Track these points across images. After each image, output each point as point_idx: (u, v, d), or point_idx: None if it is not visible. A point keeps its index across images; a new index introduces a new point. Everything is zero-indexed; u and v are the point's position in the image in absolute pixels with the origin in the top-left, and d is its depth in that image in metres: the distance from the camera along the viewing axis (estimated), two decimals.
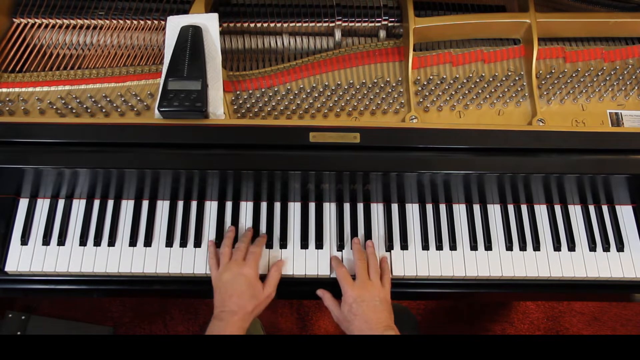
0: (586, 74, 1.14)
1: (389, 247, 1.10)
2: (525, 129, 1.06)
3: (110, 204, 1.12)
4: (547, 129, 1.05)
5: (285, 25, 1.16)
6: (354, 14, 1.16)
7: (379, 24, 1.17)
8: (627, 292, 1.13)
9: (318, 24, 1.16)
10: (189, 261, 1.08)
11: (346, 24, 1.16)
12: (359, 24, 1.16)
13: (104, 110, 1.06)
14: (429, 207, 1.14)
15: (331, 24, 1.16)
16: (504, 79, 1.13)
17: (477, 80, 1.13)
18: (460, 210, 1.14)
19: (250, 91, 1.10)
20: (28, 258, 1.07)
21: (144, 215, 1.12)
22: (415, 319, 1.31)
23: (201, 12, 1.10)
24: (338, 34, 1.17)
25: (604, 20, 1.14)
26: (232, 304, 0.96)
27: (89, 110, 1.06)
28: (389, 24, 1.17)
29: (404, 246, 1.10)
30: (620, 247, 1.12)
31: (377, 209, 1.14)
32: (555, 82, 1.13)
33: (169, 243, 1.09)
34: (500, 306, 1.93)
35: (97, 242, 1.09)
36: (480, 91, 1.12)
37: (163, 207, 1.12)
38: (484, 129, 1.03)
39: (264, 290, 1.01)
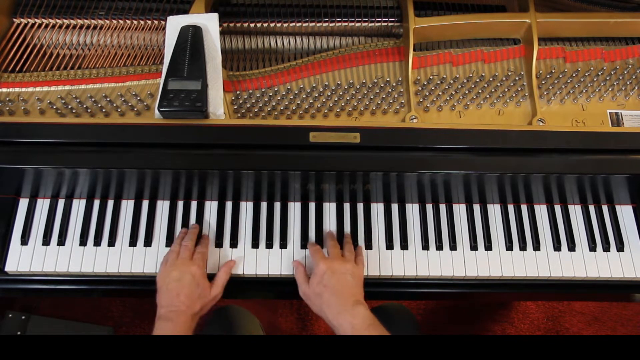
0: (586, 74, 1.14)
1: (389, 247, 1.10)
2: (525, 129, 1.06)
3: (110, 204, 1.12)
4: (547, 129, 1.05)
5: (285, 25, 1.16)
6: (354, 14, 1.16)
7: (378, 24, 1.17)
8: (627, 292, 1.13)
9: (318, 24, 1.16)
10: None
11: (346, 24, 1.16)
12: (358, 24, 1.16)
13: (104, 110, 1.06)
14: (429, 207, 1.14)
15: (331, 24, 1.16)
16: (504, 79, 1.13)
17: (477, 80, 1.13)
18: (460, 210, 1.14)
19: (250, 91, 1.10)
20: (28, 258, 1.07)
21: (144, 215, 1.12)
22: (415, 319, 1.31)
23: (201, 12, 1.10)
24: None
25: (604, 20, 1.14)
26: (180, 303, 0.95)
27: (89, 110, 1.06)
28: (389, 24, 1.17)
29: (404, 246, 1.10)
30: (620, 247, 1.12)
31: (377, 209, 1.14)
32: (555, 82, 1.13)
33: (169, 243, 1.09)
34: (500, 306, 1.92)
35: (97, 242, 1.09)
36: (480, 91, 1.12)
37: (163, 207, 1.12)
38: (484, 129, 1.03)
39: (211, 291, 1.00)
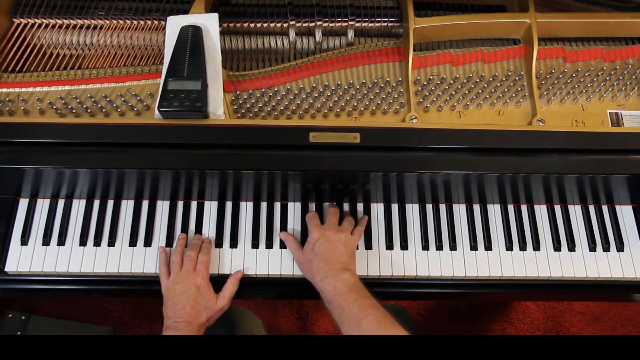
0: (586, 74, 1.14)
1: (389, 247, 1.10)
2: (525, 129, 1.06)
3: (110, 204, 1.12)
4: (547, 129, 1.05)
5: (285, 25, 1.16)
6: (354, 14, 1.16)
7: (378, 24, 1.17)
8: (627, 292, 1.13)
9: (318, 24, 1.16)
10: None
11: (345, 24, 1.16)
12: (358, 24, 1.16)
13: (104, 110, 1.06)
14: (429, 207, 1.14)
15: (331, 24, 1.16)
16: (504, 79, 1.13)
17: (477, 80, 1.13)
18: (460, 210, 1.14)
19: (250, 91, 1.10)
20: (28, 258, 1.07)
21: (144, 215, 1.12)
22: (413, 319, 1.31)
23: (201, 12, 1.10)
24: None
25: (604, 20, 1.14)
26: (186, 314, 0.96)
27: (89, 110, 1.06)
28: (389, 24, 1.17)
29: (404, 246, 1.10)
30: (620, 247, 1.12)
31: (377, 209, 1.14)
32: (555, 82, 1.13)
33: (169, 243, 1.09)
34: (500, 306, 1.93)
35: (97, 242, 1.09)
36: (480, 91, 1.12)
37: (163, 207, 1.12)
38: (484, 129, 1.03)
39: (217, 303, 1.00)
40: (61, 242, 1.08)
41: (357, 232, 1.06)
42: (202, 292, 0.99)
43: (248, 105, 1.09)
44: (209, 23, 1.08)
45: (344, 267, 0.97)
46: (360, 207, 1.14)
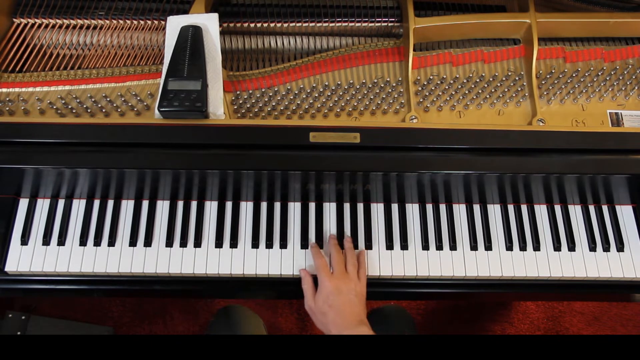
0: (586, 74, 1.14)
1: (389, 247, 1.10)
2: (525, 129, 1.06)
3: (110, 204, 1.12)
4: (547, 129, 1.05)
5: (285, 25, 1.16)
6: (354, 14, 1.16)
7: (378, 24, 1.17)
8: (627, 292, 1.13)
9: (318, 24, 1.16)
10: (189, 261, 1.08)
11: (346, 24, 1.16)
12: (358, 24, 1.16)
13: (104, 110, 1.06)
14: (429, 207, 1.14)
15: (331, 24, 1.16)
16: (504, 79, 1.13)
17: (477, 80, 1.13)
18: (460, 210, 1.14)
19: (250, 91, 1.10)
20: (28, 258, 1.07)
21: (144, 215, 1.12)
22: (412, 321, 1.31)
23: (201, 12, 1.10)
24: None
25: (604, 20, 1.14)
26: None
27: (89, 110, 1.06)
28: (389, 24, 1.17)
29: (404, 246, 1.10)
30: (620, 247, 1.12)
31: (377, 209, 1.14)
32: (555, 82, 1.13)
33: (169, 243, 1.09)
34: (500, 306, 1.93)
35: (97, 242, 1.09)
36: (480, 91, 1.12)
37: (163, 207, 1.12)
38: (484, 129, 1.03)
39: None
40: (61, 242, 1.08)
41: (362, 276, 1.04)
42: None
43: (248, 105, 1.09)
44: (209, 23, 1.08)
45: (360, 321, 0.96)
46: (360, 207, 1.14)
